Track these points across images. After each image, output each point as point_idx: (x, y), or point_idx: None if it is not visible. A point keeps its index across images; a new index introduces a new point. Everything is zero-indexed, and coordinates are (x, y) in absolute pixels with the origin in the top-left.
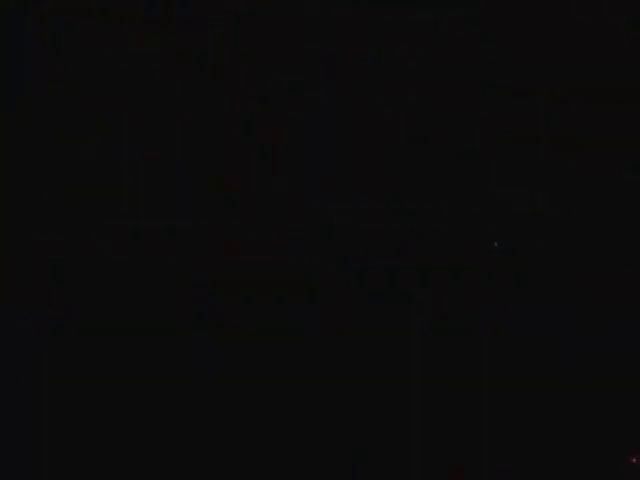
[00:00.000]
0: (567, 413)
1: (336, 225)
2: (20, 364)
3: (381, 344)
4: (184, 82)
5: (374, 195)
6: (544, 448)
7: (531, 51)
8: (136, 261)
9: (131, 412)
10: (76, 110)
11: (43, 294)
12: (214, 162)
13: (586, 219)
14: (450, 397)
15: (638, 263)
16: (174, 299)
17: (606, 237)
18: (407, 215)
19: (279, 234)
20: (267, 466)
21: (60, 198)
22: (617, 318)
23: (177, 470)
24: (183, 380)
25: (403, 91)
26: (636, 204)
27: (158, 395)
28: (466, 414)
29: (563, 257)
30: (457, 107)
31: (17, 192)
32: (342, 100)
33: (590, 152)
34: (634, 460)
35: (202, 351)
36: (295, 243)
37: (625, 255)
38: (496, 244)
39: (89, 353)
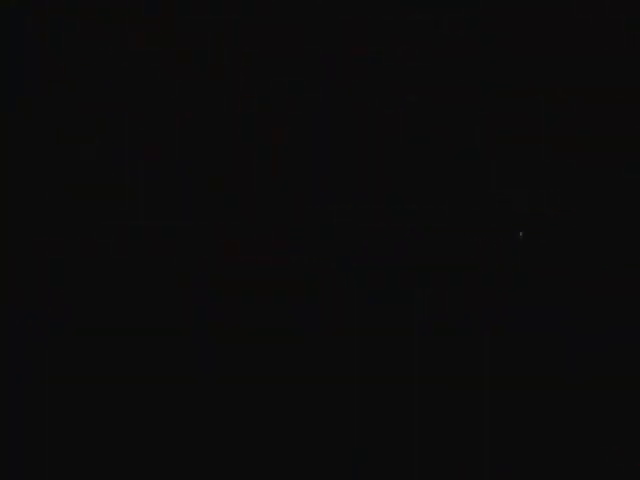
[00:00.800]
0: (567, 413)
1: (336, 225)
2: (20, 364)
3: (381, 344)
4: (184, 82)
5: (374, 195)
6: (544, 448)
7: (531, 51)
8: (136, 261)
9: (131, 412)
10: (76, 110)
11: (43, 294)
12: (214, 162)
13: (586, 219)
14: (450, 397)
15: (638, 263)
16: (174, 299)
17: (606, 237)
18: (407, 215)
19: (279, 234)
20: (267, 466)
21: (60, 198)
22: (617, 318)
23: (177, 470)
24: (183, 380)
25: (403, 91)
26: (636, 204)
27: (158, 395)
28: (466, 414)
29: (563, 257)
30: (457, 107)
31: (17, 192)
32: (342, 100)
33: (590, 152)
34: None
35: (202, 351)
36: (295, 243)
37: (625, 255)
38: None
39: (89, 353)
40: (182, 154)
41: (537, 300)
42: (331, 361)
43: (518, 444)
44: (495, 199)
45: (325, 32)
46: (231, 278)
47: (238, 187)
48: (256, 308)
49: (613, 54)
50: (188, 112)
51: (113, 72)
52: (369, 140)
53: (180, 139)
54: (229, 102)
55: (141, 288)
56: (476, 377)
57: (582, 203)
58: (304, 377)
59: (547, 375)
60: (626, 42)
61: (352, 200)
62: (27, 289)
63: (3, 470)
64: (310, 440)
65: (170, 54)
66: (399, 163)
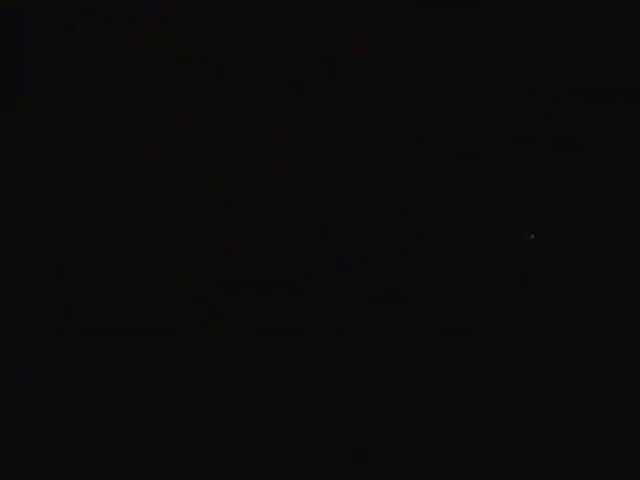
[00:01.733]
0: (567, 413)
1: (336, 225)
2: (20, 364)
3: (381, 344)
4: (184, 82)
5: (374, 195)
6: (544, 448)
7: (531, 51)
8: (136, 261)
9: (131, 412)
10: (76, 110)
11: (43, 294)
12: (214, 162)
13: (586, 219)
14: (450, 397)
15: (638, 263)
16: (174, 299)
17: (606, 237)
18: (407, 215)
19: (279, 234)
20: (267, 466)
21: (60, 198)
22: (617, 318)
23: (177, 470)
24: (183, 380)
25: (403, 91)
26: (636, 204)
27: (158, 395)
28: (466, 414)
29: (563, 257)
30: (457, 107)
31: (17, 192)
32: (342, 100)
33: (590, 152)
34: None
35: (202, 351)
36: (295, 243)
37: (625, 255)
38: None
39: (89, 353)
40: (182, 154)
41: (537, 300)
42: (331, 361)
43: (518, 444)
44: (495, 199)
45: (325, 32)
46: (231, 278)
47: (238, 187)
48: (256, 308)
49: (613, 54)
50: (188, 112)
51: (113, 72)
52: (369, 140)
53: (180, 139)
54: (229, 102)
55: (141, 288)
56: (476, 377)
57: (582, 203)
58: (304, 377)
59: (547, 375)
60: (626, 42)
61: (352, 200)
62: (27, 289)
63: (3, 470)
64: (310, 440)
65: (170, 54)
66: (399, 163)
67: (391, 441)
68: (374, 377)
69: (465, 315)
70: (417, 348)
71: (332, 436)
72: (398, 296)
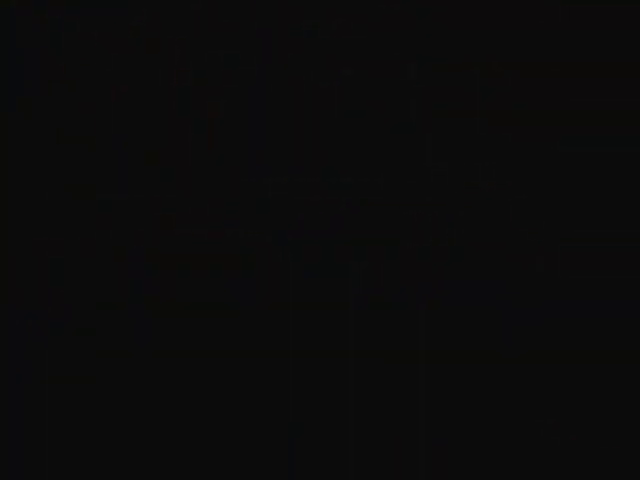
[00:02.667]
0: (503, 386)
1: (271, 198)
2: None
3: (316, 318)
4: (120, 56)
5: (310, 168)
6: (479, 422)
7: (466, 25)
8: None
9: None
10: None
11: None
12: (150, 136)
13: (521, 193)
14: (385, 371)
15: (572, 236)
16: (109, 273)
17: (541, 210)
18: (343, 189)
19: (215, 208)
20: (202, 440)
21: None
22: (552, 292)
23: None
24: (119, 354)
25: (338, 65)
26: (570, 177)
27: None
28: (402, 388)
29: (498, 231)
30: (392, 81)
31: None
32: (277, 74)
33: (526, 126)
34: None
35: (137, 325)
36: (230, 217)
37: (560, 228)
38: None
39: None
40: (117, 128)
41: (472, 274)
42: (266, 335)
43: (453, 418)
44: (430, 172)
45: (260, 5)
46: (166, 252)
47: (174, 161)
48: (191, 282)
49: (546, 28)
50: (123, 85)
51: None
52: (304, 114)
53: (115, 113)
54: (164, 76)
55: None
56: (411, 351)
57: (517, 177)
58: (239, 351)
59: (482, 349)
60: (561, 16)
61: (287, 174)
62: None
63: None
64: (245, 412)
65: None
66: (334, 136)
67: (326, 414)
68: (310, 351)
69: (401, 289)
70: (353, 322)
71: (266, 408)
72: (333, 270)
